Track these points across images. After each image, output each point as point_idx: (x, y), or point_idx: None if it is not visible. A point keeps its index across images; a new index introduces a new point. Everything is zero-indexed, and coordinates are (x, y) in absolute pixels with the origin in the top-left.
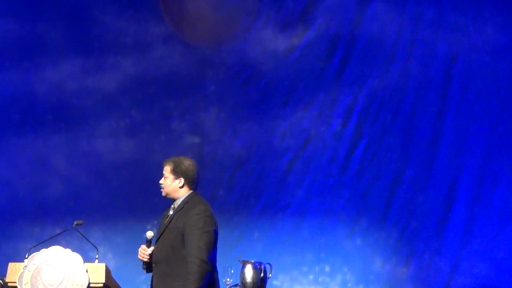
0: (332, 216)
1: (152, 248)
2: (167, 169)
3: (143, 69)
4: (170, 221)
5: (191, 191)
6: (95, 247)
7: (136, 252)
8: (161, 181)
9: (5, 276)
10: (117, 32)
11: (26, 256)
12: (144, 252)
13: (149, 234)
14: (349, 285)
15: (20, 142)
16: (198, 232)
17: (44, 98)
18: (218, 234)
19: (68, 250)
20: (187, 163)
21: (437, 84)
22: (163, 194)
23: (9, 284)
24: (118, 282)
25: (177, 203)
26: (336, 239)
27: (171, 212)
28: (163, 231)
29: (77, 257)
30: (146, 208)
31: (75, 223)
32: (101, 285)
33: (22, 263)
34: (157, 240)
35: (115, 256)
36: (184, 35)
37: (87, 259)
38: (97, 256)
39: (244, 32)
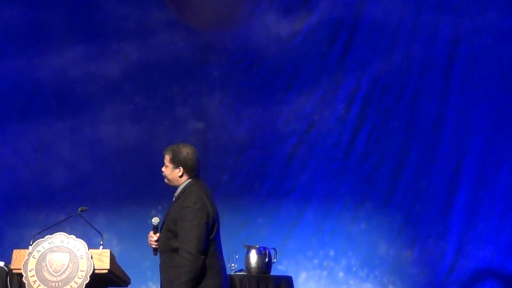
0: (337, 200)
1: (158, 234)
2: (166, 158)
3: (146, 55)
4: (169, 211)
5: (191, 179)
6: (100, 233)
7: (140, 238)
8: (162, 169)
9: (10, 263)
10: (120, 18)
11: (31, 243)
12: (151, 238)
13: (155, 220)
14: (354, 269)
15: (24, 129)
16: (187, 225)
17: (48, 85)
18: (220, 220)
19: (73, 237)
20: (186, 151)
21: (440, 67)
22: (166, 181)
23: (14, 271)
24: (123, 268)
25: (177, 192)
26: (340, 223)
27: (173, 201)
28: (164, 221)
29: (81, 243)
30: (150, 194)
31: (80, 209)
32: (106, 271)
33: (26, 250)
34: (161, 229)
35: (119, 242)
36: (187, 20)
37: (92, 245)
38: (101, 242)
39: (247, 17)
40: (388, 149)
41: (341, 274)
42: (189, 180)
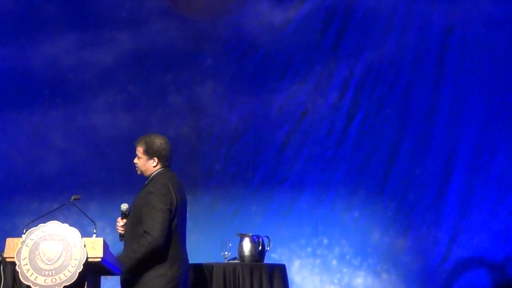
0: (330, 188)
1: (125, 220)
2: (139, 150)
3: (139, 43)
4: (137, 198)
5: (162, 168)
6: (93, 222)
7: None
8: (135, 161)
9: (3, 251)
10: (113, 7)
11: (24, 231)
12: (118, 224)
13: (124, 206)
14: (347, 257)
15: (17, 117)
16: (151, 210)
17: (41, 74)
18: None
19: (66, 225)
20: (159, 141)
21: (433, 56)
22: (138, 173)
23: (7, 260)
24: (116, 257)
25: (148, 181)
26: (334, 211)
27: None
28: (131, 208)
29: (75, 232)
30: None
31: (73, 198)
32: (99, 259)
33: (20, 238)
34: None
35: (112, 231)
36: (180, 9)
37: (85, 234)
38: (95, 231)
39: (240, 5)
40: (382, 137)
41: (334, 262)
42: (161, 169)
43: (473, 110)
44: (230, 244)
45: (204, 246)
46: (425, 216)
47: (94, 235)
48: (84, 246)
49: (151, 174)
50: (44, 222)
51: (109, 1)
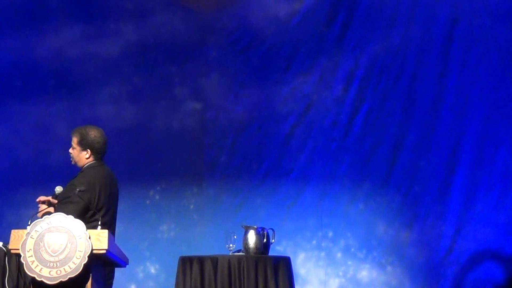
0: (335, 181)
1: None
2: (74, 140)
3: (144, 35)
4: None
5: (95, 161)
6: (97, 213)
7: (138, 219)
8: (70, 150)
9: (8, 243)
10: None
11: (29, 223)
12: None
13: (58, 189)
14: (352, 249)
15: (22, 108)
16: (65, 201)
17: (46, 65)
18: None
19: (71, 217)
20: (93, 134)
21: (438, 48)
22: (72, 163)
23: (12, 251)
24: (121, 248)
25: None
26: (339, 204)
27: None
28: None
29: (79, 223)
30: (149, 174)
31: (78, 189)
32: (104, 251)
33: (24, 230)
34: None
35: (117, 222)
36: (185, 0)
37: (89, 225)
38: (99, 223)
39: None
40: (386, 129)
41: (339, 254)
42: (93, 161)
43: (478, 103)
44: (235, 236)
45: (209, 238)
46: (429, 208)
47: (99, 227)
48: (89, 238)
49: (83, 165)
50: (49, 214)
51: None
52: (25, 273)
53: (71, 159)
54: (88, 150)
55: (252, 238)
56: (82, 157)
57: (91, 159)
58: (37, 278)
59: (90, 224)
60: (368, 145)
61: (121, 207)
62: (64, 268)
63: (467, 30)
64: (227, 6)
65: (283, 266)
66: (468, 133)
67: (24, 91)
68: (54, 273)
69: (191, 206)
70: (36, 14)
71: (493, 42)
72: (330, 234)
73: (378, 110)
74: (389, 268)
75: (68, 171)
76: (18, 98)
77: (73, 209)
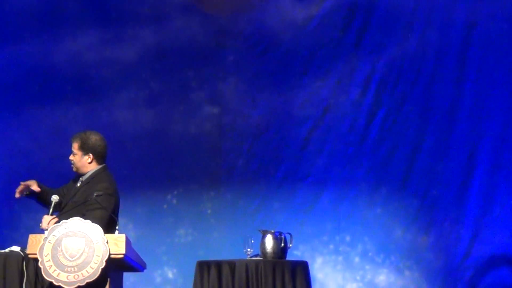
0: (352, 185)
1: (54, 217)
2: (75, 146)
3: (162, 39)
4: (75, 194)
5: (100, 166)
6: (115, 218)
7: (156, 223)
8: (70, 158)
9: (25, 247)
10: (135, 2)
11: (47, 228)
12: (46, 221)
13: (54, 197)
14: (369, 254)
15: (39, 113)
16: (94, 207)
17: (63, 69)
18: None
19: (88, 222)
20: (94, 138)
21: (455, 52)
22: (73, 170)
23: (29, 256)
24: (138, 253)
25: (84, 177)
26: (356, 208)
27: (78, 185)
28: (67, 203)
29: (97, 228)
30: (166, 179)
31: (95, 194)
32: (122, 256)
33: (42, 235)
34: (61, 210)
35: (135, 227)
36: (202, 5)
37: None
38: (117, 227)
39: (262, 1)
40: (404, 133)
41: (357, 259)
42: (99, 166)
43: (495, 106)
44: (253, 241)
45: (226, 243)
46: (447, 212)
47: (117, 231)
48: (107, 242)
49: (88, 171)
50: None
51: None
52: (42, 277)
53: (72, 165)
54: (90, 154)
55: (269, 242)
56: (84, 162)
57: (93, 164)
58: (55, 283)
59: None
60: (385, 150)
61: (139, 211)
62: (81, 273)
63: (484, 34)
64: (244, 10)
65: (301, 270)
66: (485, 137)
67: (42, 95)
68: (71, 278)
69: (209, 211)
70: (53, 19)
71: (510, 46)
72: (348, 238)
73: (395, 114)
74: (406, 273)
75: None
76: (35, 103)
77: (102, 215)
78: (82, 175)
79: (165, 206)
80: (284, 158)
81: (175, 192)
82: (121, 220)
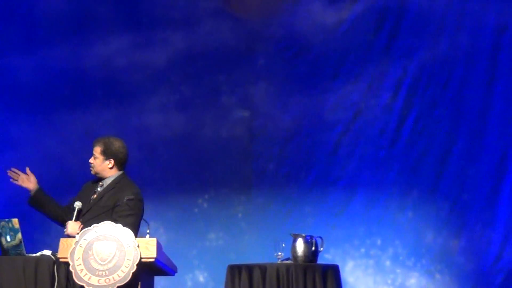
0: (383, 188)
1: (79, 223)
2: (97, 150)
3: (192, 43)
4: (100, 198)
5: (121, 172)
6: (146, 222)
7: (187, 227)
8: (90, 160)
9: (56, 251)
10: (166, 7)
11: (78, 232)
12: (72, 227)
13: (77, 204)
14: (400, 258)
15: (70, 117)
16: (126, 213)
17: (94, 74)
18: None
19: (119, 225)
20: (117, 144)
21: (486, 55)
22: (92, 172)
23: (60, 260)
24: (170, 257)
25: (106, 182)
26: (387, 212)
27: (99, 189)
28: (91, 207)
29: (128, 232)
30: (196, 182)
31: (126, 198)
32: (153, 259)
33: (73, 239)
34: (83, 215)
35: (166, 231)
36: (233, 9)
37: (138, 234)
38: (148, 231)
39: (293, 5)
40: (434, 137)
41: (388, 262)
42: (120, 172)
43: None
44: (284, 245)
45: (257, 247)
46: (478, 216)
47: (148, 235)
48: (138, 246)
49: (108, 176)
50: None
51: (162, 1)
52: (73, 281)
53: (91, 168)
54: (112, 159)
55: (300, 246)
56: (105, 166)
57: (114, 169)
58: (86, 287)
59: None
60: (416, 153)
61: (170, 215)
62: (113, 277)
63: None
64: (275, 14)
65: (332, 274)
66: None
67: (72, 100)
68: (103, 282)
69: (240, 214)
70: (84, 24)
71: None
72: (379, 242)
73: (426, 118)
74: (437, 276)
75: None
76: (66, 108)
77: (135, 221)
78: (100, 179)
79: (196, 210)
80: (315, 162)
81: (206, 196)
82: (152, 224)
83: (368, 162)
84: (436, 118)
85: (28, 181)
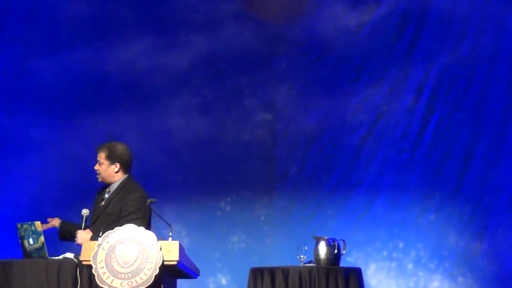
0: (406, 191)
1: (88, 230)
2: (101, 156)
3: (214, 46)
4: (107, 205)
5: (126, 175)
6: (169, 225)
7: (209, 230)
8: (96, 168)
9: (79, 254)
10: (188, 10)
11: (100, 235)
12: (81, 235)
13: (85, 211)
14: (423, 260)
15: (92, 120)
16: (132, 217)
17: (116, 77)
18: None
19: (142, 228)
20: (121, 148)
21: (508, 58)
22: (99, 180)
23: (83, 263)
24: (192, 260)
25: (113, 188)
26: (409, 214)
27: (106, 196)
28: (100, 215)
29: (150, 235)
30: (219, 186)
31: (149, 201)
32: (175, 262)
33: (96, 242)
34: (93, 223)
35: (188, 234)
36: (255, 11)
37: (161, 237)
38: (170, 234)
39: (315, 8)
40: (457, 140)
41: (410, 265)
42: (125, 176)
43: None
44: (306, 248)
45: (280, 250)
46: (501, 219)
47: (170, 238)
48: (160, 249)
49: (115, 181)
50: (120, 226)
51: (184, 5)
52: (96, 284)
53: (98, 176)
54: (117, 163)
55: (323, 249)
56: (111, 171)
57: (120, 173)
58: None
59: None
60: (438, 156)
61: (192, 218)
62: (135, 280)
63: None
64: (297, 17)
65: (354, 277)
66: None
67: (95, 103)
68: (125, 285)
69: (262, 217)
70: (106, 27)
71: None
72: (401, 245)
73: (448, 120)
74: (460, 279)
75: (138, 184)
76: (88, 111)
77: (142, 224)
78: (107, 185)
79: (218, 213)
80: (337, 164)
81: (228, 199)
82: (174, 227)
83: (390, 165)
84: (458, 121)
85: (53, 221)
